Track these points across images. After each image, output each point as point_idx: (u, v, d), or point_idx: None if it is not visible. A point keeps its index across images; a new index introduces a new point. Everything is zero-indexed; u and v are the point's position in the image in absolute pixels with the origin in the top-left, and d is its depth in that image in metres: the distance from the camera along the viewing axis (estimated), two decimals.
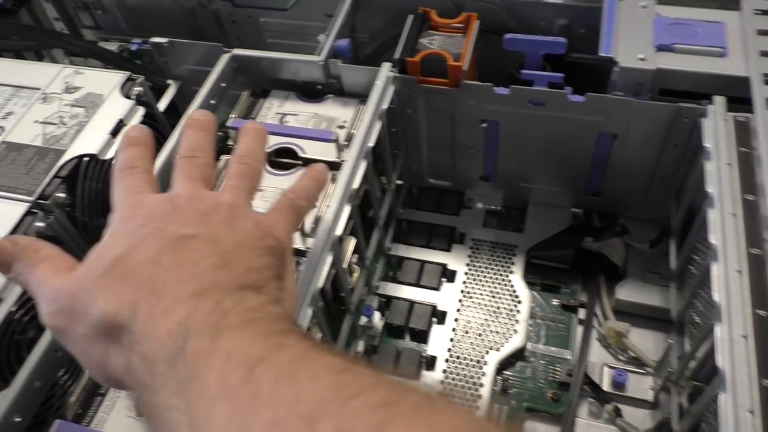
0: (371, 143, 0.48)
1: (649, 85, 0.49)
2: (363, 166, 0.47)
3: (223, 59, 0.54)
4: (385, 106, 0.50)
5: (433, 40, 0.54)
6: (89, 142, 0.46)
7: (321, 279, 0.41)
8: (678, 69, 0.48)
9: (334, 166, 0.50)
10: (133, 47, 0.63)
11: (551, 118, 0.52)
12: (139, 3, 0.66)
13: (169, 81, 0.60)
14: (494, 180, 0.60)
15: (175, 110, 0.60)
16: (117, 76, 0.51)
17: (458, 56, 0.52)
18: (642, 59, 0.48)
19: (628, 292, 0.55)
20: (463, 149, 0.58)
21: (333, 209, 0.43)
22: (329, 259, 0.42)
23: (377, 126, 0.49)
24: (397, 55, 0.52)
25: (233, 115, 0.53)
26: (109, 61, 0.59)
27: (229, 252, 0.27)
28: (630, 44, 0.49)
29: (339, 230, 0.43)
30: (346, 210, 0.44)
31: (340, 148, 0.50)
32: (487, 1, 0.57)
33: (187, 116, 0.34)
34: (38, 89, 0.50)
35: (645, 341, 0.53)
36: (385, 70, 0.52)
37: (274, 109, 0.55)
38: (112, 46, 0.65)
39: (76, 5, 0.68)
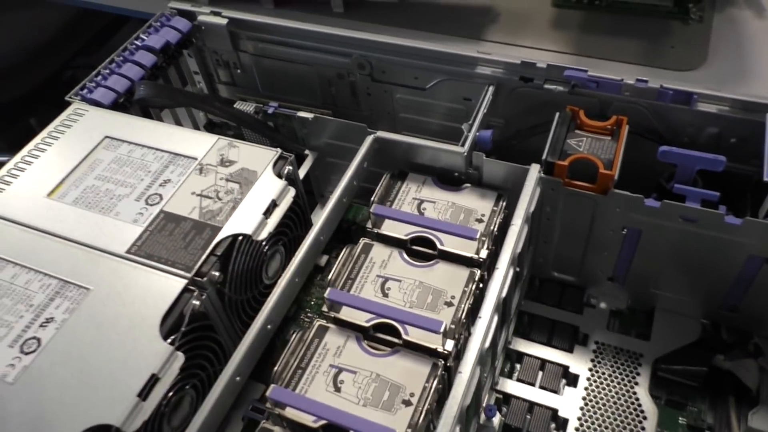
0: (519, 249, 0.47)
1: None
2: (512, 274, 0.46)
3: (368, 141, 0.54)
4: (532, 209, 0.50)
5: (580, 142, 0.53)
6: (243, 220, 0.47)
7: (469, 396, 0.40)
8: None
9: (472, 263, 0.50)
10: (270, 110, 0.65)
11: (699, 234, 0.50)
12: (276, 67, 0.68)
13: (307, 151, 0.61)
14: (622, 281, 0.59)
15: (308, 180, 0.61)
16: (269, 153, 0.52)
17: (609, 163, 0.50)
18: None
19: (761, 421, 0.52)
20: (597, 249, 0.56)
21: (485, 322, 0.42)
22: (478, 373, 0.41)
23: (525, 230, 0.49)
24: (544, 156, 0.51)
25: (374, 199, 0.54)
26: (252, 128, 0.61)
27: None
28: None
29: (488, 342, 0.42)
30: (495, 320, 0.43)
31: (480, 245, 0.50)
32: (635, 102, 0.56)
33: None
34: (195, 159, 0.52)
35: None
36: (534, 171, 0.51)
37: (411, 194, 0.55)
38: (249, 107, 0.66)
39: (217, 63, 0.71)
